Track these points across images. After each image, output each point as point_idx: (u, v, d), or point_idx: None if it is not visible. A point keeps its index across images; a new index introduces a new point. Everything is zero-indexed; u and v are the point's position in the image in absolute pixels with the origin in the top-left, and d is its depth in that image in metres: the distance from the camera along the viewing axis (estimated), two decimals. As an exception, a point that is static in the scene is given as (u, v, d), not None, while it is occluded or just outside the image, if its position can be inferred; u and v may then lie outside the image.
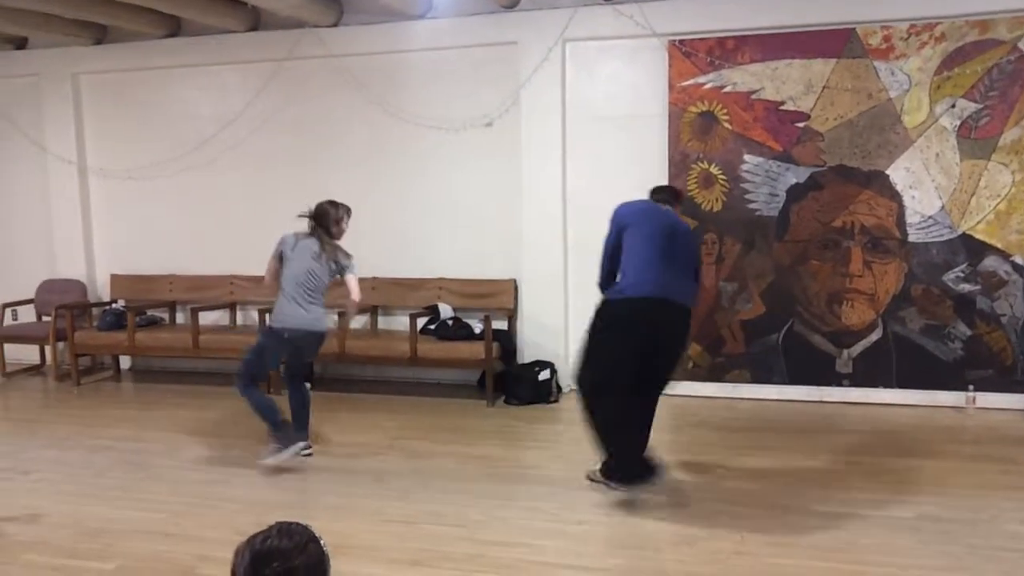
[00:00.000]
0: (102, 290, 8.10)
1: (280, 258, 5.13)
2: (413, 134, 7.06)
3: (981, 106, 5.91)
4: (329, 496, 4.61)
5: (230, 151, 7.58)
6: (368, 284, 7.18)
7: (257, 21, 7.33)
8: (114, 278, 7.99)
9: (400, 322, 7.02)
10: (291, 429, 5.09)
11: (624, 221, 4.56)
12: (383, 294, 7.21)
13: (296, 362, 5.28)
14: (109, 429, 6.04)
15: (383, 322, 7.35)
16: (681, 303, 4.43)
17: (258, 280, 7.46)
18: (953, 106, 5.96)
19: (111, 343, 7.41)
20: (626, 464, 4.33)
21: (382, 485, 4.72)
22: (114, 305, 7.75)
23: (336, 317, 6.62)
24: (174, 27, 7.52)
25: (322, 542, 1.79)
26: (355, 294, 5.08)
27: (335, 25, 7.12)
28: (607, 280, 4.65)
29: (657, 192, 4.89)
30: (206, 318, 7.40)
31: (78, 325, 7.51)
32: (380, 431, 5.84)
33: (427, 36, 6.93)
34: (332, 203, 5.14)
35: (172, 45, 7.55)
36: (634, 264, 4.44)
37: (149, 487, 4.79)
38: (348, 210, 5.20)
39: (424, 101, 7.04)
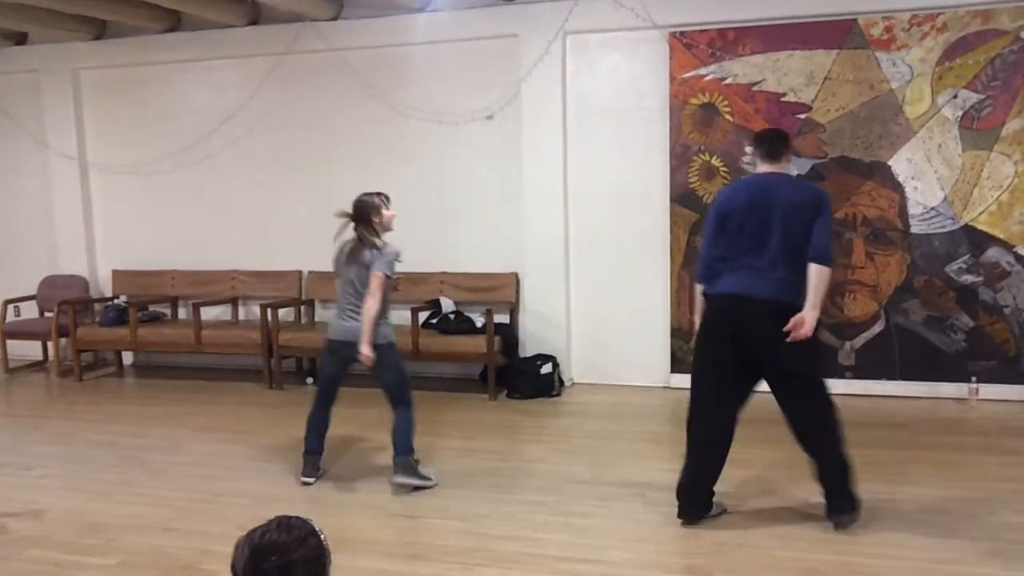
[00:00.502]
0: (104, 285, 8.10)
1: (336, 270, 4.73)
2: (414, 128, 7.05)
3: (983, 96, 5.89)
4: (331, 491, 4.61)
5: (231, 146, 7.57)
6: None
7: (257, 15, 7.32)
8: (116, 273, 7.99)
9: (402, 316, 6.99)
10: (312, 461, 4.77)
11: (723, 211, 4.01)
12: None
13: (378, 381, 4.73)
14: (111, 425, 6.05)
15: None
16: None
17: (262, 275, 7.52)
18: (955, 97, 5.94)
19: (113, 339, 7.41)
20: None
21: (384, 480, 4.71)
22: (116, 300, 7.75)
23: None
24: (174, 22, 7.50)
25: (322, 536, 1.78)
26: (370, 297, 4.48)
27: (335, 19, 7.10)
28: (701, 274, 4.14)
29: (760, 144, 4.14)
30: (208, 313, 7.40)
31: (80, 321, 7.52)
32: (381, 426, 5.79)
33: (427, 30, 6.91)
34: (367, 194, 4.67)
35: (172, 40, 7.53)
36: (722, 255, 4.00)
37: (151, 483, 4.80)
38: (386, 197, 4.70)
39: (425, 95, 7.02)
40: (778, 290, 3.81)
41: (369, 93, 7.11)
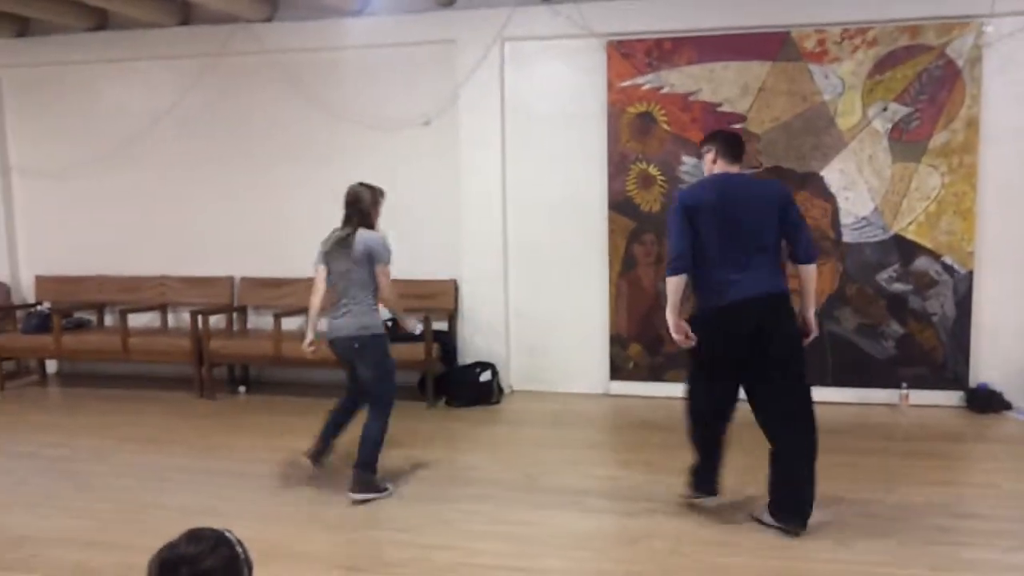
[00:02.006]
0: (27, 292, 7.81)
1: (325, 262, 4.60)
2: (349, 132, 6.96)
3: (911, 109, 6.04)
4: (263, 503, 4.50)
5: (160, 149, 7.38)
6: (304, 284, 7.05)
7: (188, 15, 7.15)
8: (39, 279, 7.72)
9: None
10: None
11: (692, 213, 3.99)
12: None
13: (360, 374, 4.67)
14: (34, 435, 5.83)
15: (322, 324, 7.19)
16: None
17: (192, 282, 7.34)
18: (885, 109, 6.08)
19: (36, 346, 7.15)
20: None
21: (320, 489, 4.62)
22: (39, 307, 7.49)
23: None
24: (100, 20, 7.28)
25: (237, 545, 1.77)
26: (383, 292, 4.54)
27: (269, 20, 6.98)
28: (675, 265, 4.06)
29: (717, 144, 4.14)
30: (136, 320, 7.18)
31: (1, 328, 7.24)
32: (315, 435, 5.72)
33: (363, 33, 6.83)
34: (365, 185, 4.63)
35: (98, 39, 7.31)
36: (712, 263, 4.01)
37: (76, 495, 4.62)
38: (382, 192, 4.67)
39: (361, 99, 6.94)
40: (779, 283, 3.94)
41: (304, 96, 7.01)
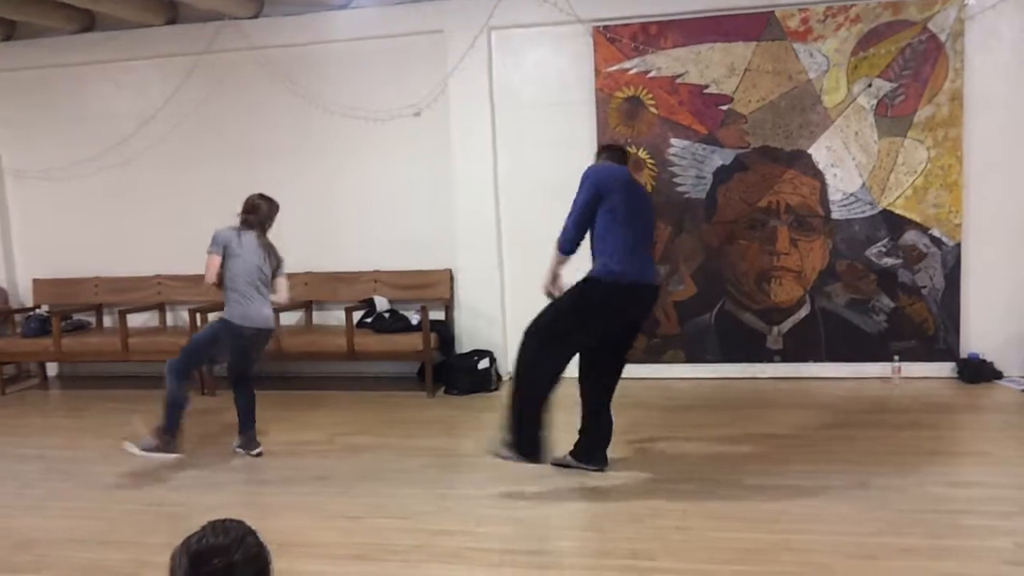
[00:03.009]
0: (24, 295, 7.84)
1: (223, 254, 5.00)
2: (340, 125, 6.99)
3: (896, 85, 6.10)
4: (270, 495, 4.56)
5: (152, 147, 7.40)
6: (300, 279, 7.12)
7: (175, 14, 7.16)
8: (36, 282, 7.74)
9: (336, 316, 6.96)
10: (176, 440, 5.04)
11: (606, 188, 4.44)
12: (316, 289, 7.14)
13: (246, 361, 5.22)
14: (37, 438, 5.88)
15: (318, 317, 7.27)
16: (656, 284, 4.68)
17: (189, 279, 7.36)
18: (870, 85, 6.13)
19: (36, 350, 7.18)
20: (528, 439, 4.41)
21: (324, 482, 4.68)
22: (38, 310, 7.52)
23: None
24: (88, 22, 7.30)
25: (259, 535, 1.79)
26: (284, 295, 5.20)
27: (255, 17, 7.00)
28: (572, 244, 4.59)
29: (611, 152, 4.84)
30: (135, 320, 7.22)
31: (0, 332, 7.26)
32: (319, 428, 5.79)
33: (351, 26, 6.86)
34: (263, 196, 5.15)
35: (87, 40, 7.32)
36: (628, 243, 4.42)
37: (82, 495, 4.67)
38: (277, 206, 5.22)
39: (351, 92, 6.97)
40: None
41: (294, 91, 7.03)
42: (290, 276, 6.99)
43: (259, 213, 5.09)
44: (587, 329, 4.45)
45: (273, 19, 6.99)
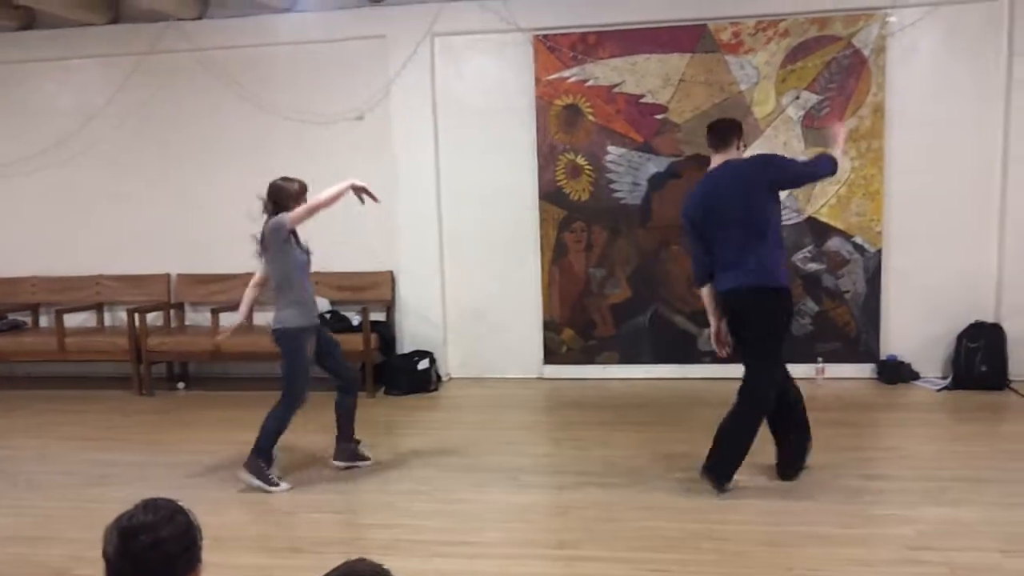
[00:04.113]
0: (-43, 295, 7.73)
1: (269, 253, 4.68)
2: (283, 128, 7.04)
3: (822, 97, 6.35)
4: (209, 491, 4.60)
5: (92, 147, 7.36)
6: (241, 280, 7.12)
7: (117, 14, 7.15)
8: (-30, 282, 7.65)
9: (276, 317, 6.98)
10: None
11: (695, 216, 4.35)
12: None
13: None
14: (-30, 438, 5.82)
15: (258, 318, 7.28)
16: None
17: (128, 280, 7.34)
18: (797, 97, 6.38)
19: (-31, 350, 7.10)
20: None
21: (262, 478, 4.74)
22: (-29, 310, 7.42)
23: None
24: (29, 19, 7.24)
25: (190, 514, 1.83)
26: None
27: (199, 18, 7.02)
28: (697, 278, 4.49)
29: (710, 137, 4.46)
30: (72, 320, 7.17)
31: (-68, 332, 7.16)
32: (258, 426, 5.81)
33: (295, 30, 6.92)
34: (287, 179, 4.80)
35: (27, 38, 7.27)
36: (722, 256, 4.29)
37: (17, 493, 4.66)
38: (304, 185, 4.82)
39: (294, 95, 7.02)
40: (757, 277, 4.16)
41: (237, 94, 7.07)
42: (232, 278, 7.13)
43: (280, 196, 4.74)
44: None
45: (217, 21, 7.02)
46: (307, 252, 4.81)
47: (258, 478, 4.56)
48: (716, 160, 4.34)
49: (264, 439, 4.62)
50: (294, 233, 4.71)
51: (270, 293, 4.77)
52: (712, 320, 4.45)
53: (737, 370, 6.51)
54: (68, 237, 7.50)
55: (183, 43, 7.01)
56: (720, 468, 4.22)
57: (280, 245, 4.60)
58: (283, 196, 4.69)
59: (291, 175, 4.86)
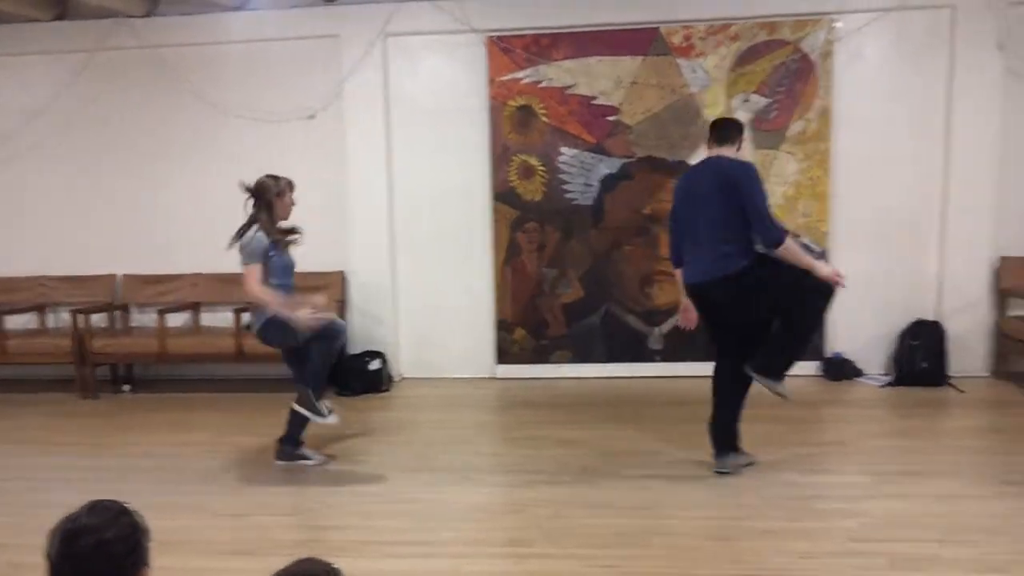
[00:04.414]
0: None
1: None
2: (234, 127, 6.97)
3: (771, 100, 6.46)
4: (156, 495, 4.51)
5: (36, 146, 7.20)
6: (188, 281, 7.08)
7: (64, 10, 7.00)
8: (-93, 283, 7.43)
9: (224, 318, 6.90)
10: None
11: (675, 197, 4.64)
12: (205, 290, 7.09)
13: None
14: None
15: (206, 319, 7.20)
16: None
17: (72, 280, 7.19)
18: (747, 100, 6.48)
19: (-94, 352, 6.89)
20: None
21: (210, 481, 4.68)
22: (-92, 312, 7.20)
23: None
24: (-32, 14, 7.07)
25: (136, 515, 1.81)
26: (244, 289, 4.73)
27: (148, 15, 6.91)
28: (672, 256, 4.68)
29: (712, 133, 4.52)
30: (13, 322, 7.00)
31: None
32: (206, 429, 5.77)
33: (246, 28, 6.85)
34: (272, 176, 4.73)
35: (-33, 33, 7.10)
36: (686, 245, 4.50)
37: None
38: (290, 183, 4.76)
39: (245, 94, 6.95)
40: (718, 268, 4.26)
41: (186, 92, 6.97)
42: (178, 278, 7.06)
43: (264, 193, 4.69)
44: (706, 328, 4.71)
45: (167, 18, 6.91)
46: (287, 254, 4.81)
47: (308, 409, 4.69)
48: (715, 152, 4.43)
49: (311, 377, 4.72)
50: (282, 233, 4.75)
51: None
52: (682, 297, 4.68)
53: (686, 368, 6.64)
54: (10, 237, 7.33)
55: (132, 40, 6.89)
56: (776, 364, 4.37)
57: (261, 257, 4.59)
58: (265, 192, 4.64)
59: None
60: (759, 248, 4.20)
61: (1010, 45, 6.21)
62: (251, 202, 4.67)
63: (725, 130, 4.47)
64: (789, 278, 4.17)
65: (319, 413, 4.71)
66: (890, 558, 3.42)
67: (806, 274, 4.17)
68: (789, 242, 4.18)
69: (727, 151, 4.38)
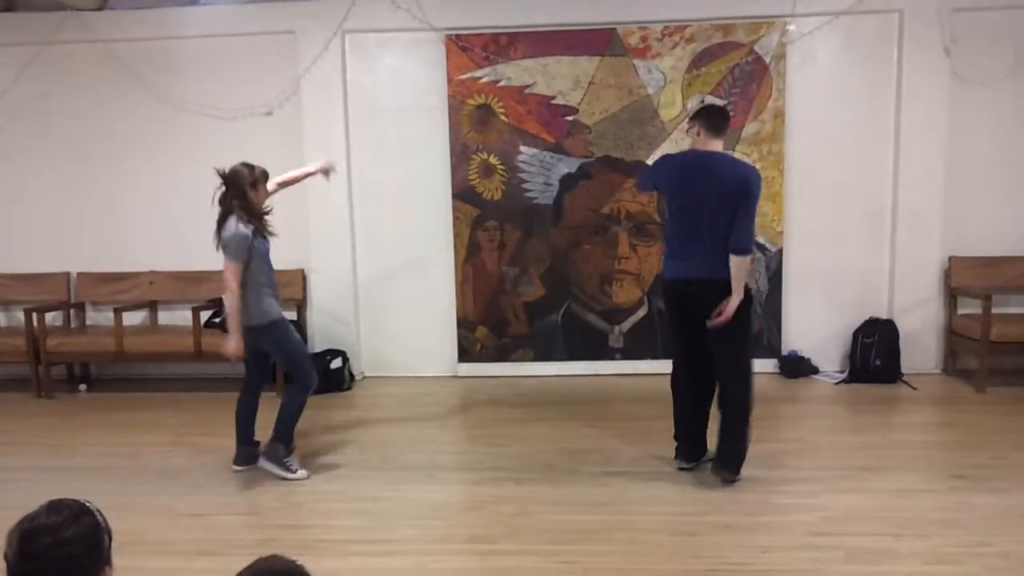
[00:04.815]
0: None
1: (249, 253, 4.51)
2: (189, 123, 6.89)
3: (726, 102, 6.55)
4: (114, 495, 4.46)
5: (-15, 141, 7.06)
6: (146, 278, 6.99)
7: (12, 2, 6.86)
8: None
9: (183, 316, 6.82)
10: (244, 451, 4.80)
11: (659, 178, 4.45)
12: (162, 288, 7.00)
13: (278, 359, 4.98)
14: None
15: (163, 317, 7.11)
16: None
17: (25, 278, 7.05)
18: (702, 102, 6.56)
19: None
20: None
21: (170, 481, 4.64)
22: None
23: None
24: (-87, 6, 6.90)
25: (97, 513, 1.79)
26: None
27: (100, 9, 6.80)
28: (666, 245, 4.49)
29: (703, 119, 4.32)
30: (-37, 321, 6.87)
31: None
32: (165, 428, 5.70)
33: (201, 22, 6.77)
34: (246, 164, 4.58)
35: (-89, 25, 6.92)
36: (678, 237, 4.35)
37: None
38: (265, 173, 4.62)
39: (201, 89, 6.87)
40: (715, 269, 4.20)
41: (140, 87, 6.87)
42: (135, 276, 6.96)
43: (236, 182, 4.53)
44: (671, 331, 4.65)
45: (119, 12, 6.81)
46: (266, 239, 4.67)
47: (276, 465, 4.60)
48: (710, 144, 4.27)
49: (282, 426, 4.63)
50: (259, 219, 4.59)
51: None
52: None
53: (646, 366, 6.72)
54: (-41, 234, 7.18)
55: (84, 34, 6.78)
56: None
57: (245, 253, 4.47)
58: (238, 180, 4.50)
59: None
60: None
61: (956, 49, 6.37)
62: (221, 192, 4.52)
63: (721, 120, 4.31)
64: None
65: (288, 470, 4.62)
66: (847, 551, 3.51)
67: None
68: (749, 259, 4.22)
69: (718, 145, 4.27)
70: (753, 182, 4.19)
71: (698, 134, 4.30)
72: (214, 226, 4.59)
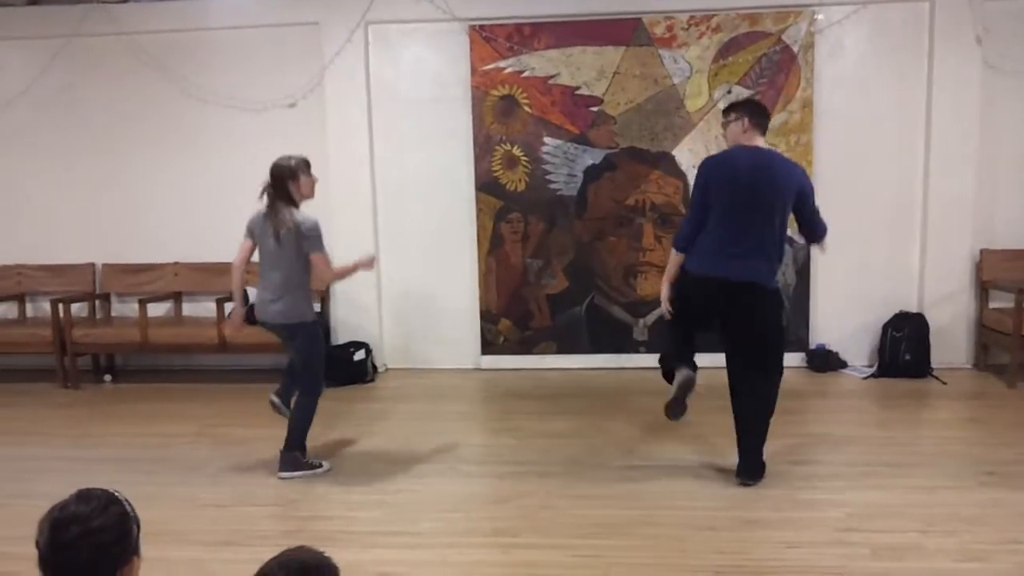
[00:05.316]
0: None
1: (252, 237, 4.50)
2: (213, 114, 6.91)
3: (753, 92, 6.47)
4: (140, 486, 4.45)
5: (12, 134, 7.11)
6: (170, 270, 7.02)
7: (38, -5, 6.92)
8: None
9: (207, 308, 6.85)
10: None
11: (711, 177, 4.16)
12: (187, 280, 7.03)
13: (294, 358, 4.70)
14: None
15: (188, 308, 7.15)
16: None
17: (51, 270, 7.12)
18: (729, 91, 6.49)
19: None
20: None
21: (195, 472, 4.66)
22: None
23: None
24: (-60, -1, 6.96)
25: (126, 504, 1.80)
26: (317, 279, 4.54)
27: (125, 1, 6.82)
28: (682, 241, 4.31)
29: (745, 112, 4.20)
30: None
31: None
32: (190, 420, 5.72)
33: (226, 14, 6.79)
34: (284, 157, 4.46)
35: (-60, 19, 6.98)
36: (717, 239, 4.16)
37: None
38: (305, 162, 4.47)
39: (225, 81, 6.89)
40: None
41: (165, 79, 6.90)
42: (160, 267, 6.98)
43: (277, 178, 4.40)
44: (678, 320, 4.44)
45: (144, 4, 6.83)
46: None
47: (300, 469, 4.54)
48: (755, 140, 4.13)
49: (295, 435, 4.57)
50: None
51: (275, 284, 4.45)
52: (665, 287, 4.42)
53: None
54: (-16, 226, 7.24)
55: (108, 27, 6.80)
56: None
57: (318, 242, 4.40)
58: (281, 175, 4.41)
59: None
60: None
61: (987, 39, 6.25)
62: (266, 187, 4.44)
63: (765, 119, 4.23)
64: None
65: (311, 467, 4.58)
66: (874, 548, 3.46)
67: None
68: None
69: (761, 141, 4.15)
70: (807, 181, 4.22)
71: (743, 128, 4.13)
72: (252, 218, 4.53)
